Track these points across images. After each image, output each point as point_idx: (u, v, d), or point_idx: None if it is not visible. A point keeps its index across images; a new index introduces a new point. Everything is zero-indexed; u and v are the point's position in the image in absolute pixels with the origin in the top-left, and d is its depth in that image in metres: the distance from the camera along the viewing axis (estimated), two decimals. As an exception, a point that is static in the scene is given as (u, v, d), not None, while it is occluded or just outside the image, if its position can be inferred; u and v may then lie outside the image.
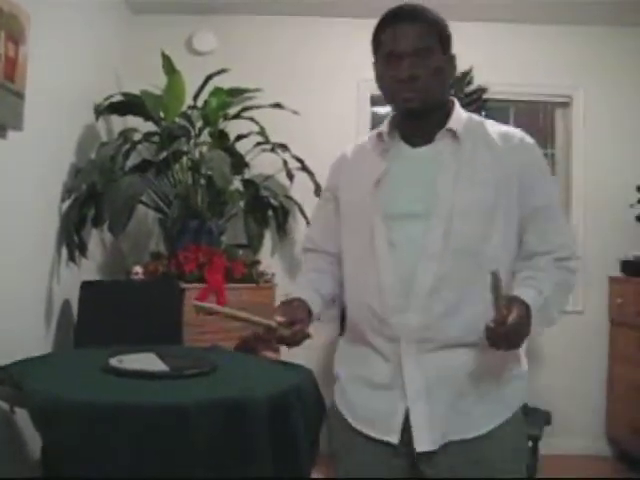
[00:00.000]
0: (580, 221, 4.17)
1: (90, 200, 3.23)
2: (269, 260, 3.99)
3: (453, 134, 1.52)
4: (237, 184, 3.76)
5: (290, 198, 3.89)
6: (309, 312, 1.60)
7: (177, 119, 3.68)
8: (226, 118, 3.85)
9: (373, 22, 1.56)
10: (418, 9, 1.51)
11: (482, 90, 3.82)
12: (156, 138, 3.64)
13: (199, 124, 3.79)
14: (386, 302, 1.47)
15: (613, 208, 4.08)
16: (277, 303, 1.76)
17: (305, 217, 3.66)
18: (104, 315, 3.04)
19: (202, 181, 3.66)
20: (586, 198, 4.19)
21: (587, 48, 4.18)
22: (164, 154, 3.54)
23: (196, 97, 3.81)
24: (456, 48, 1.57)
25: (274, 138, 3.80)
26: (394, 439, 1.48)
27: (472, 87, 3.84)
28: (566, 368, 4.07)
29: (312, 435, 1.97)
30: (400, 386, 1.47)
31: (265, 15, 4.13)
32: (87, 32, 3.41)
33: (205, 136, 3.81)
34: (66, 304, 3.21)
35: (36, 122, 2.71)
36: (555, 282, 1.47)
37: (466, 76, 3.82)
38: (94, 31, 3.52)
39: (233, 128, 3.86)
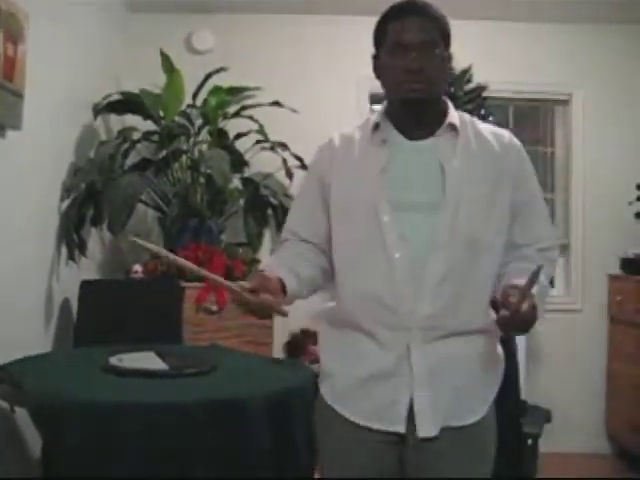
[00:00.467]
0: (579, 219, 4.17)
1: (89, 199, 3.23)
2: (269, 258, 3.98)
3: (453, 129, 1.56)
4: (236, 183, 3.76)
5: (289, 196, 3.87)
6: (283, 289, 1.52)
7: (176, 118, 3.68)
8: (225, 117, 3.84)
9: (373, 20, 1.58)
10: (425, 4, 1.56)
11: (482, 88, 3.81)
12: (155, 137, 3.64)
13: (198, 123, 3.79)
14: (398, 292, 1.49)
15: (612, 206, 4.07)
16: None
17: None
18: (104, 314, 3.04)
19: (201, 180, 3.66)
20: (585, 196, 4.19)
21: (587, 46, 4.18)
22: (163, 153, 3.54)
23: (195, 96, 3.80)
24: (456, 46, 1.59)
25: (273, 136, 3.79)
26: (400, 428, 1.49)
27: (472, 85, 3.83)
28: (566, 366, 4.07)
29: (312, 434, 1.96)
30: (405, 374, 1.49)
31: (264, 14, 4.12)
32: (86, 31, 3.40)
33: (204, 135, 3.81)
34: (66, 303, 3.21)
35: (35, 121, 2.71)
36: (544, 272, 1.51)
37: (466, 74, 3.80)
38: (93, 30, 3.52)
39: (232, 127, 3.85)
